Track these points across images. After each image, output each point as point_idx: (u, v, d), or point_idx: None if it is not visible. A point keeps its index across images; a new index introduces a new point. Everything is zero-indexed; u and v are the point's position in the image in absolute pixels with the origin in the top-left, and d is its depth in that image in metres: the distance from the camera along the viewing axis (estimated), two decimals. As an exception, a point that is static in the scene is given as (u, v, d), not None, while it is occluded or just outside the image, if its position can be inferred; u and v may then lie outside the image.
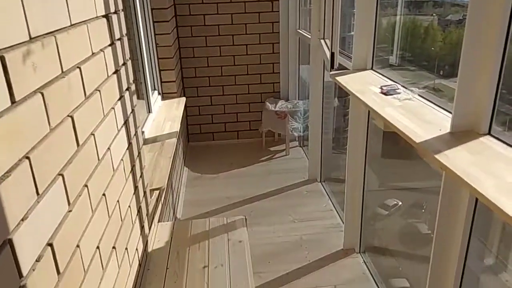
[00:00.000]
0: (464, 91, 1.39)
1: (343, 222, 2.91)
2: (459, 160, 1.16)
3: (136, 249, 1.62)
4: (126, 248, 1.46)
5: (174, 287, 1.66)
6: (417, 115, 1.64)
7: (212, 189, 3.69)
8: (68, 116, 1.02)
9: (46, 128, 0.90)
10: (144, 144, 2.55)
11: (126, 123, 1.59)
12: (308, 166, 3.86)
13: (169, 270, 1.76)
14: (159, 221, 2.18)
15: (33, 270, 0.76)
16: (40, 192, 0.83)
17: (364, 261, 2.63)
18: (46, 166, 0.88)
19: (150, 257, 1.83)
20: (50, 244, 0.84)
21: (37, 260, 0.78)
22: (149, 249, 1.87)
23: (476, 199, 1.36)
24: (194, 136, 4.79)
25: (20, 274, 0.72)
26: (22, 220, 0.75)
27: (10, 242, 0.70)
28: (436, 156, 1.20)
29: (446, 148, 1.25)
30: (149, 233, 1.89)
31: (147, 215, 1.88)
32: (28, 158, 0.80)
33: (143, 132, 2.77)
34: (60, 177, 0.93)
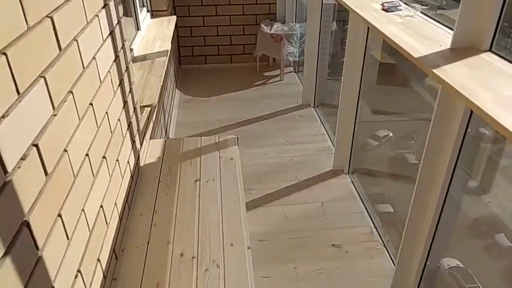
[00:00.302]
0: (468, 5, 1.32)
1: (334, 146, 2.95)
2: (457, 74, 1.13)
3: (128, 162, 1.64)
4: (117, 160, 1.47)
5: (166, 198, 1.70)
6: (417, 32, 1.58)
7: (204, 112, 3.67)
8: (47, 16, 0.96)
9: (23, 25, 0.84)
10: (133, 62, 2.46)
11: (112, 34, 1.52)
12: (302, 91, 3.81)
13: (161, 183, 1.80)
14: (151, 138, 2.18)
15: (19, 167, 0.75)
16: (20, 91, 0.80)
17: (352, 181, 2.71)
18: (26, 65, 0.84)
19: (142, 171, 1.86)
20: (35, 145, 0.82)
21: (22, 159, 0.77)
22: (141, 164, 1.89)
23: (469, 118, 1.36)
24: (186, 58, 4.64)
25: (5, 170, 0.72)
26: (3, 117, 0.73)
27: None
28: (434, 71, 1.17)
29: (445, 63, 1.21)
30: (140, 148, 1.89)
31: (138, 131, 1.87)
32: (5, 54, 0.76)
33: (131, 50, 2.66)
34: (42, 79, 0.90)
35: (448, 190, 1.64)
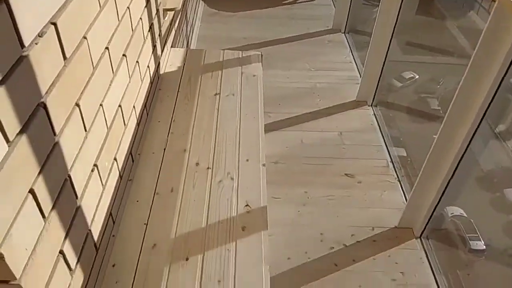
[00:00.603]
0: None
1: (360, 76, 2.82)
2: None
3: (148, 66, 1.58)
4: (137, 62, 1.41)
5: (184, 108, 1.67)
6: None
7: (228, 28, 3.51)
8: None
9: None
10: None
11: None
12: (334, 14, 3.57)
13: (180, 93, 1.75)
14: (172, 46, 2.09)
15: (36, 44, 0.70)
16: (37, -41, 0.72)
17: (374, 114, 2.62)
18: None
19: (162, 79, 1.80)
20: (53, 23, 0.76)
21: (40, 35, 0.72)
22: (161, 72, 1.83)
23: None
24: (213, -32, 4.33)
25: (22, 44, 0.67)
26: (18, -17, 0.66)
27: (5, 1, 0.61)
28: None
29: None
30: (161, 55, 1.82)
31: (159, 36, 1.78)
32: None
33: None
34: (60, -48, 0.81)
35: (473, 136, 1.57)
